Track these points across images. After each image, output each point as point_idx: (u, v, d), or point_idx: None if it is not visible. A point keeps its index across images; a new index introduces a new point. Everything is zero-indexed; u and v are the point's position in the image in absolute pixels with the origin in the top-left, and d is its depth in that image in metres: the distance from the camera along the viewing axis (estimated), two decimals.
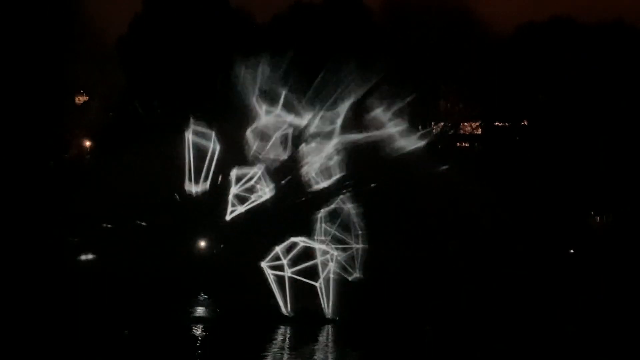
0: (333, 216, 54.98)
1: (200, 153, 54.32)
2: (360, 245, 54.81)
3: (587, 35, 65.14)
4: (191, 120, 53.94)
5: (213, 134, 54.12)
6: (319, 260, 50.71)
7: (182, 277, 52.58)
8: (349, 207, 55.03)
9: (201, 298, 53.51)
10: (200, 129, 54.28)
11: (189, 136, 53.96)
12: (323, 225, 54.69)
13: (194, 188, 54.28)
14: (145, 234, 54.16)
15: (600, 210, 63.77)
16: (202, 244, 55.38)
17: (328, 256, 50.96)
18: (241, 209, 53.97)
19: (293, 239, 50.76)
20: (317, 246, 51.31)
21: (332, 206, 55.05)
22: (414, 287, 52.49)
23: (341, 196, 55.22)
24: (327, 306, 50.37)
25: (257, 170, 54.25)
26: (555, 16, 66.80)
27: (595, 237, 61.13)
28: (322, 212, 54.76)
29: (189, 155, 54.06)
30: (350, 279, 54.30)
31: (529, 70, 63.54)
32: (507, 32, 67.68)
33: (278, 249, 50.50)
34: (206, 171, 54.31)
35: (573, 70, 63.44)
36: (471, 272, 54.46)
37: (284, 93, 55.07)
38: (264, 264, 50.55)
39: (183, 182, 54.47)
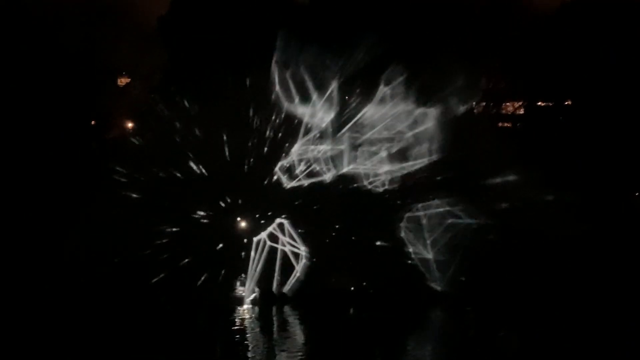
0: None
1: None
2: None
3: (635, 11, 63.84)
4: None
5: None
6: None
7: (224, 256, 53.14)
8: None
9: (242, 277, 53.89)
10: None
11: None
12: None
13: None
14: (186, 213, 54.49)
15: None
16: (243, 223, 55.57)
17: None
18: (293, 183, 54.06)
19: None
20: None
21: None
22: None
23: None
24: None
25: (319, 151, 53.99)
26: None
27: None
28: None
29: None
30: None
31: (573, 48, 62.40)
32: (552, 8, 66.67)
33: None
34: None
35: (619, 47, 62.22)
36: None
37: (330, 76, 54.45)
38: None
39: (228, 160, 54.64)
